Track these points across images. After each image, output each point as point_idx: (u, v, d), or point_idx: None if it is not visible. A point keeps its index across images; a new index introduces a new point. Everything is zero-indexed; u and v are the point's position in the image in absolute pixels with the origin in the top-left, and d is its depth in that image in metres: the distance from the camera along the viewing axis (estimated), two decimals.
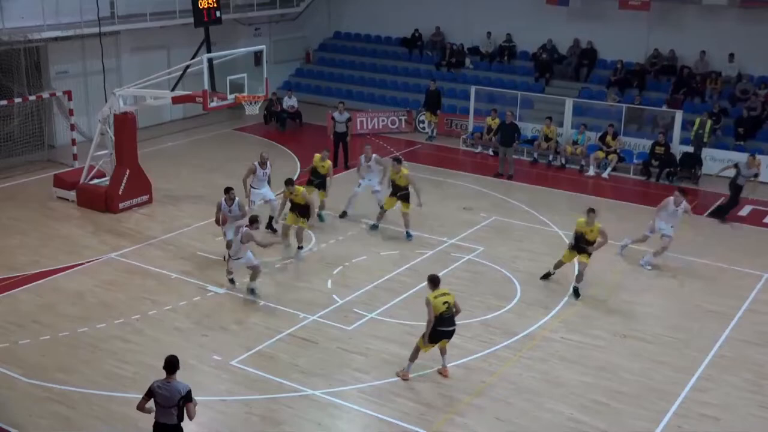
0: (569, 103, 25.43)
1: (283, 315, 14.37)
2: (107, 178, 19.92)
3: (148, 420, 11.32)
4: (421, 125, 27.75)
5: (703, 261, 17.42)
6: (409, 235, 18.00)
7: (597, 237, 15.46)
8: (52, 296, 15.07)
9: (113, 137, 19.61)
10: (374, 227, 18.40)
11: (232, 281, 15.33)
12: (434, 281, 12.49)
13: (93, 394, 11.95)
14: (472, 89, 26.63)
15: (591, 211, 15.56)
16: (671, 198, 16.98)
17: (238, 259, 14.77)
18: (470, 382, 12.56)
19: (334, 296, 15.13)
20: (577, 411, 11.85)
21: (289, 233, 17.04)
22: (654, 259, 16.94)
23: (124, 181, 19.36)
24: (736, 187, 20.32)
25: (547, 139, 24.82)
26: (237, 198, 15.88)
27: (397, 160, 18.11)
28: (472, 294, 15.45)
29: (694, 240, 18.39)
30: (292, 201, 16.80)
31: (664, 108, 25.27)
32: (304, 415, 11.56)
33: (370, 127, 27.53)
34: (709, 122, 23.86)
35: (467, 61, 30.36)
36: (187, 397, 9.41)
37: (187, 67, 20.92)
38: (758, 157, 21.00)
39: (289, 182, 16.66)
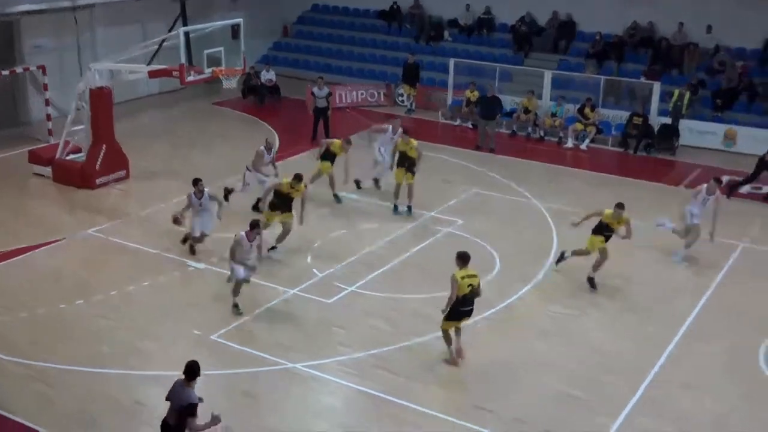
0: (548, 76, 25.42)
1: (263, 289, 14.36)
2: (83, 153, 19.73)
3: (129, 397, 11.36)
4: (400, 98, 27.66)
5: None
6: (410, 210, 17.87)
7: (623, 228, 14.82)
8: (29, 273, 14.96)
9: (89, 112, 19.39)
10: (396, 209, 17.98)
11: (236, 307, 13.68)
12: (464, 259, 12.06)
13: (72, 371, 11.91)
14: (451, 62, 26.54)
15: (619, 206, 14.74)
16: (705, 185, 16.25)
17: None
18: (450, 353, 12.63)
19: (314, 270, 15.13)
20: (556, 381, 11.96)
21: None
22: (686, 251, 16.22)
23: (101, 156, 19.19)
24: (764, 165, 20.17)
25: (526, 111, 24.83)
26: (206, 189, 15.38)
27: (405, 131, 18.21)
28: (450, 266, 15.48)
29: (678, 211, 18.50)
30: (285, 194, 15.58)
31: (642, 80, 25.32)
32: (286, 389, 11.60)
33: (349, 100, 27.42)
34: (687, 94, 23.96)
35: (446, 33, 30.20)
36: (189, 410, 8.96)
37: (164, 41, 20.68)
38: None
39: (299, 178, 15.56)
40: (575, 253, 15.18)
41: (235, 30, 19.76)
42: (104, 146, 19.24)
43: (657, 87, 24.20)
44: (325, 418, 11.13)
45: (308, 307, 13.88)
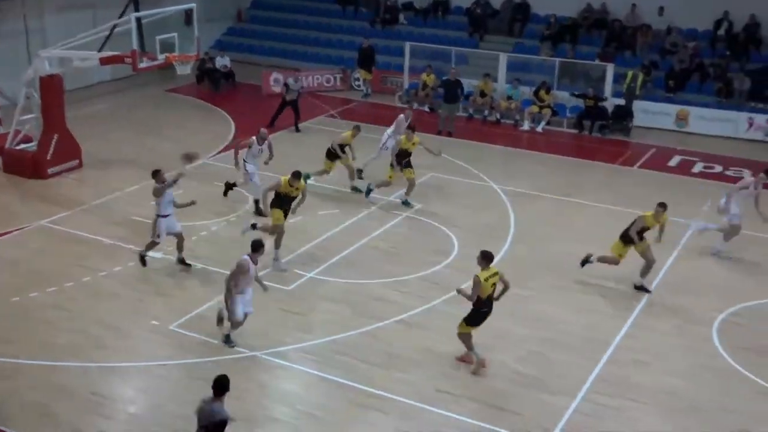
0: (503, 58, 25.54)
1: (221, 278, 14.19)
2: (34, 143, 19.34)
3: (86, 389, 11.21)
4: (357, 83, 27.59)
5: (635, 211, 17.79)
6: (408, 203, 17.70)
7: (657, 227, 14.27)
8: None
9: (40, 101, 19.00)
10: (407, 203, 17.75)
11: (228, 339, 12.35)
12: (487, 258, 11.55)
13: (29, 364, 11.71)
14: (407, 46, 26.51)
15: (662, 206, 14.22)
16: (752, 179, 15.95)
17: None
18: (411, 337, 12.69)
19: (273, 257, 15.05)
20: (515, 362, 12.09)
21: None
22: (725, 245, 15.94)
23: (53, 145, 18.84)
24: None
25: (483, 94, 24.91)
26: (167, 176, 14.47)
27: (412, 129, 18.04)
28: (410, 250, 15.57)
29: (633, 191, 18.80)
30: (285, 194, 14.72)
31: (597, 62, 25.57)
32: (248, 376, 11.55)
33: (305, 85, 27.24)
34: (640, 75, 24.25)
35: (401, 17, 30.16)
36: (219, 428, 8.67)
37: (115, 26, 20.32)
38: None
39: (297, 175, 14.68)
40: (601, 259, 14.49)
41: (188, 15, 19.48)
42: (56, 135, 18.88)
43: (611, 69, 24.45)
44: (287, 405, 11.11)
45: (267, 294, 13.80)
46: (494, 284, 11.55)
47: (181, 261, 14.69)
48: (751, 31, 25.81)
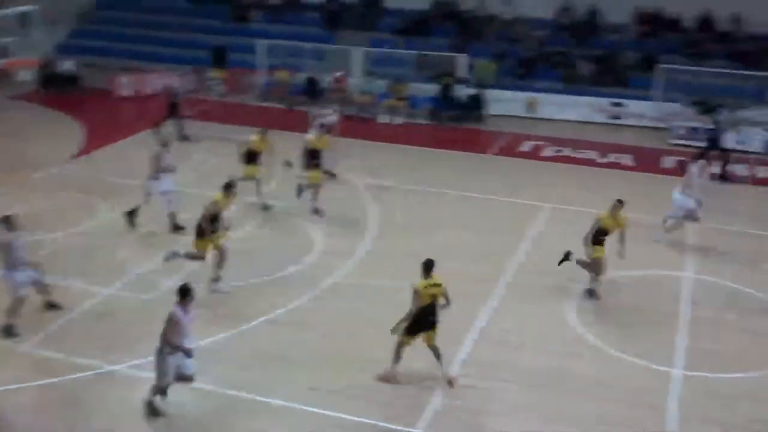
0: (359, 53, 25.69)
1: (74, 291, 13.63)
2: None
3: None
4: (210, 83, 27.05)
5: (493, 197, 18.32)
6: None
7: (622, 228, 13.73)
8: None
9: None
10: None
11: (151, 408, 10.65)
12: (427, 267, 11.13)
13: None
14: (260, 43, 26.23)
15: (620, 202, 13.74)
16: (694, 167, 16.29)
17: None
18: (279, 337, 12.56)
19: (128, 266, 14.52)
20: (381, 351, 12.13)
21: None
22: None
23: None
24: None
25: (341, 90, 24.99)
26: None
27: (327, 130, 17.71)
28: (271, 249, 15.41)
29: (489, 177, 19.32)
30: (211, 213, 13.53)
31: (450, 53, 26.10)
32: (107, 392, 11.10)
33: (158, 87, 26.48)
34: (491, 64, 24.98)
35: (253, 14, 29.79)
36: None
37: None
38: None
39: (230, 186, 13.75)
40: (579, 263, 13.94)
41: (27, 18, 18.56)
42: None
43: (463, 59, 25.05)
44: (153, 418, 10.74)
45: (125, 305, 13.33)
46: (434, 295, 11.16)
47: (49, 304, 13.11)
48: (592, 18, 27.07)
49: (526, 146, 22.28)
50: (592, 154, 21.81)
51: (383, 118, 24.31)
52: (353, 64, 25.54)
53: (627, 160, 21.54)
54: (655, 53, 25.29)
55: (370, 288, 14.09)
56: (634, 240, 14.11)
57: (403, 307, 13.45)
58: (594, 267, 13.78)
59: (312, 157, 17.11)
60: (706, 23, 26.70)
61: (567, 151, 21.93)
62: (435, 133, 23.58)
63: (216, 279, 13.75)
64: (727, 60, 25.16)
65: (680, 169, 18.14)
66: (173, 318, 10.23)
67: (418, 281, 11.17)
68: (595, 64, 25.80)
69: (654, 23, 26.96)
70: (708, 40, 26.15)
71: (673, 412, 10.95)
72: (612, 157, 21.61)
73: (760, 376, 11.84)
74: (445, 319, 13.12)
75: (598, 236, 13.66)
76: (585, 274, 14.01)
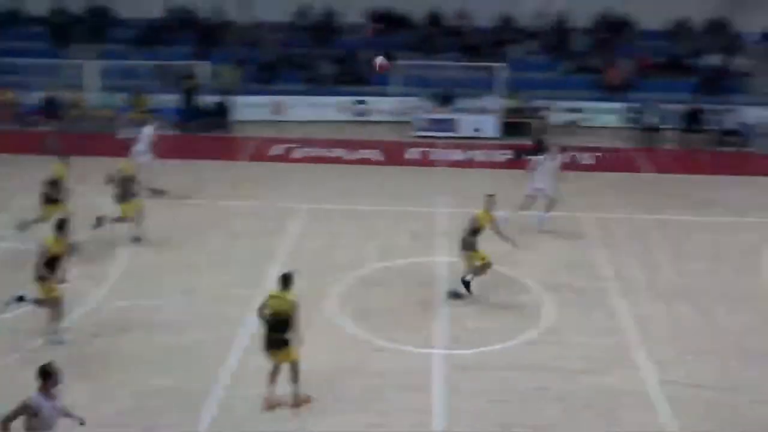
0: (90, 66, 24.42)
1: None
2: None
3: None
4: None
5: (252, 203, 18.10)
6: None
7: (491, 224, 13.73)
8: None
9: None
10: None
11: None
12: (281, 280, 10.49)
13: None
14: None
15: (491, 196, 13.73)
16: (546, 155, 16.92)
17: None
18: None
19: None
20: (156, 376, 11.53)
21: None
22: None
23: None
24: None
25: (76, 106, 23.60)
26: None
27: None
28: None
29: (247, 185, 19.09)
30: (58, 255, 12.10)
31: (191, 61, 25.47)
32: None
33: None
34: (234, 70, 24.77)
35: None
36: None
37: None
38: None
39: (63, 225, 12.31)
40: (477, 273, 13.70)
41: None
42: None
43: (205, 66, 24.60)
44: None
45: None
46: (272, 307, 10.43)
47: None
48: (329, 19, 27.63)
49: (277, 150, 22.25)
50: (341, 152, 22.24)
51: (127, 133, 23.14)
52: (87, 78, 24.16)
53: (375, 155, 22.21)
54: (391, 50, 26.20)
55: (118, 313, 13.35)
56: (395, 231, 14.46)
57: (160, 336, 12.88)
58: (481, 271, 13.69)
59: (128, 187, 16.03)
60: (435, 19, 28.19)
61: (317, 152, 22.21)
62: (184, 143, 22.83)
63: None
64: (458, 53, 26.70)
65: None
66: (29, 406, 8.09)
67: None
68: (336, 64, 26.35)
69: (387, 21, 27.98)
70: (438, 34, 27.62)
71: (438, 390, 11.34)
72: (361, 154, 22.19)
73: (515, 345, 12.59)
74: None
75: (472, 235, 13.57)
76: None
